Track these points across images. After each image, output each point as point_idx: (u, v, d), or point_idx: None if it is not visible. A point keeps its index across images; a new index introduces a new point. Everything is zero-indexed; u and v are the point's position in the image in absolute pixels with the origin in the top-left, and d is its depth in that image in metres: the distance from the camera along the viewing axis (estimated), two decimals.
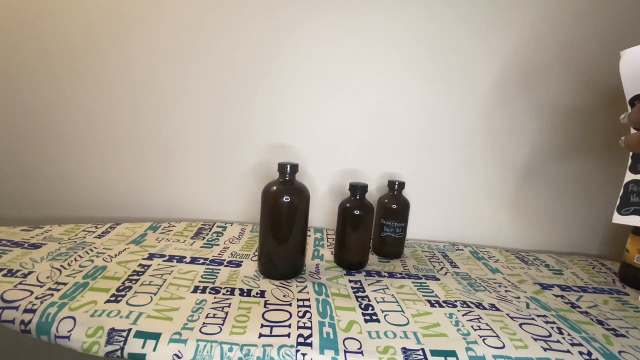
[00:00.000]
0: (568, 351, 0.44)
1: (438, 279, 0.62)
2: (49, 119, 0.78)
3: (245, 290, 0.52)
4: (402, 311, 0.50)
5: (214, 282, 0.54)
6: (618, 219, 0.45)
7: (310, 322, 0.45)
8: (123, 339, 0.40)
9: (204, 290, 0.51)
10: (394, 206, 0.70)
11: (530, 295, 0.59)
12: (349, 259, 0.64)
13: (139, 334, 0.40)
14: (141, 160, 0.80)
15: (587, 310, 0.56)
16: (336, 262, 0.65)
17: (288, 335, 0.42)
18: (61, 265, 0.54)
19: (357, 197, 0.63)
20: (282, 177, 0.56)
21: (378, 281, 0.60)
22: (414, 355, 0.41)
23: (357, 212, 0.62)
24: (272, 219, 0.56)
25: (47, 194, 0.81)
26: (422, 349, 0.42)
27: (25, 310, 0.42)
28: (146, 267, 0.56)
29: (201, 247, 0.67)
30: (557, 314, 0.53)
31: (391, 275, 0.63)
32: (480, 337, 0.45)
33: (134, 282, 0.51)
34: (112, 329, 0.41)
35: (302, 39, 0.75)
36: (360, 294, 0.55)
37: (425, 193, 0.82)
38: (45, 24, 0.74)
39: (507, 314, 0.51)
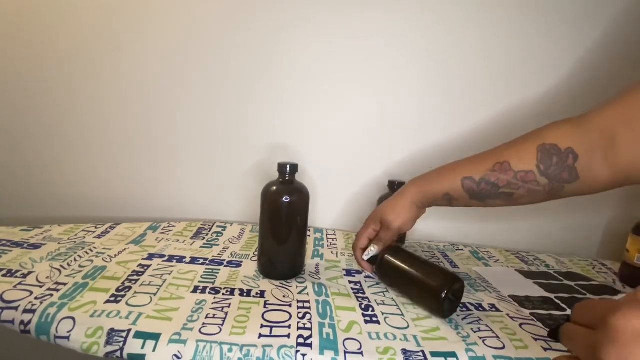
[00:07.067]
0: (568, 351, 0.43)
1: None
2: (49, 120, 0.78)
3: (245, 291, 0.52)
4: (402, 315, 0.50)
5: (213, 283, 0.54)
6: None
7: (310, 322, 0.45)
8: (123, 339, 0.40)
9: (203, 291, 0.51)
10: None
11: None
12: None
13: (139, 335, 0.40)
14: (141, 160, 0.80)
15: None
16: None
17: (288, 336, 0.42)
18: (61, 266, 0.54)
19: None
20: (282, 177, 0.56)
21: (378, 283, 0.59)
22: (414, 357, 0.41)
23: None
24: (272, 219, 0.56)
25: (47, 194, 0.81)
26: (422, 351, 0.42)
27: (25, 311, 0.42)
28: (146, 267, 0.56)
29: (201, 247, 0.67)
30: None
31: None
32: (480, 338, 0.45)
33: (133, 282, 0.51)
34: (112, 330, 0.41)
35: (302, 38, 0.75)
36: (360, 295, 0.54)
37: None
38: (47, 25, 0.74)
39: (507, 314, 0.51)
